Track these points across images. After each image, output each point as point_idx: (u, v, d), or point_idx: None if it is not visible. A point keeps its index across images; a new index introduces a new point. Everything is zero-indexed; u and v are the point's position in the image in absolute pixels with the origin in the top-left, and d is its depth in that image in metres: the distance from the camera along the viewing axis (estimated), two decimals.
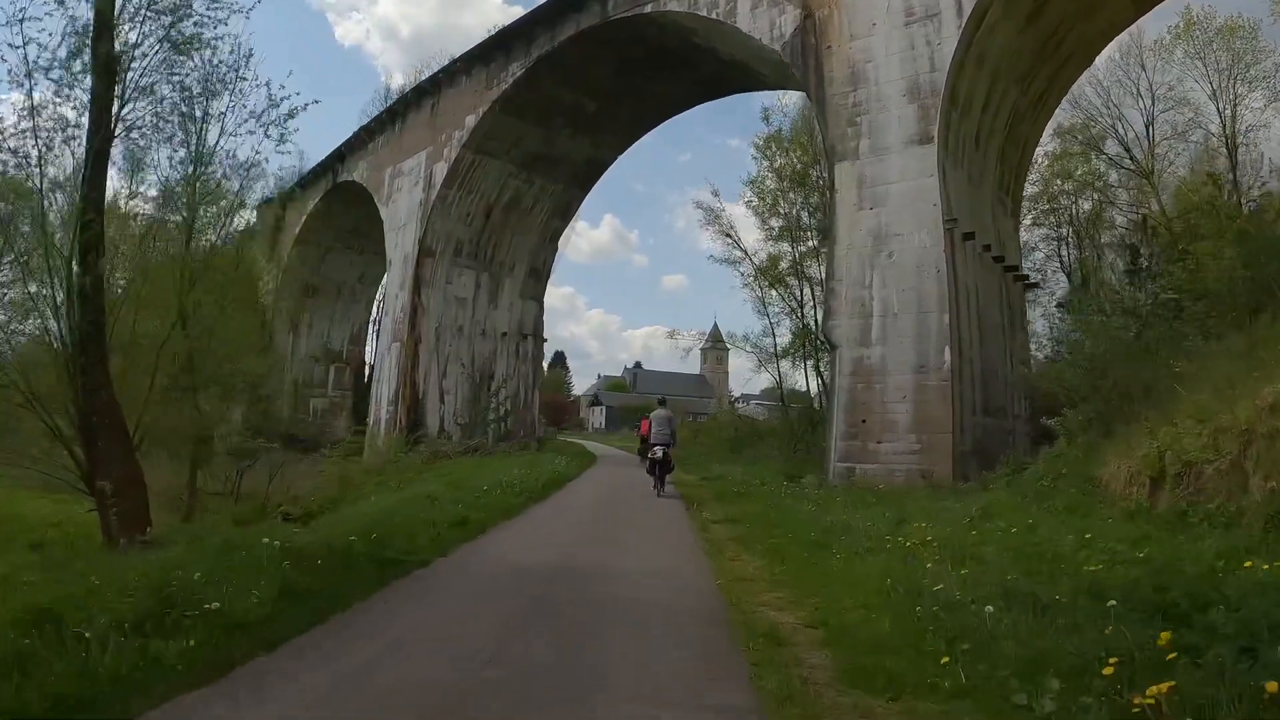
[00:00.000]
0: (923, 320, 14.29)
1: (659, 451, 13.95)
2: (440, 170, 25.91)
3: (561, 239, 28.40)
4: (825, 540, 7.50)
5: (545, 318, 28.63)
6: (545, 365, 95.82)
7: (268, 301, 39.45)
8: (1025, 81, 17.41)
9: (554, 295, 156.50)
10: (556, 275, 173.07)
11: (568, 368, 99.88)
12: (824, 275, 16.86)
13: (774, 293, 33.72)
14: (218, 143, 14.90)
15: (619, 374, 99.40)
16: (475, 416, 25.92)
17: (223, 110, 13.30)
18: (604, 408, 77.60)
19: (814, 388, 32.47)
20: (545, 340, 27.97)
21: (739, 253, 33.75)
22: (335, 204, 35.32)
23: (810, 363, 32.43)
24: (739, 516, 10.38)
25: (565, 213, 28.06)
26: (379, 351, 27.90)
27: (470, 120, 25.06)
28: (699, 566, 7.03)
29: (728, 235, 33.87)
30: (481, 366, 26.49)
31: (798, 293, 33.28)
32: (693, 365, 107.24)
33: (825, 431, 14.87)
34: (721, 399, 76.01)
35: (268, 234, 40.38)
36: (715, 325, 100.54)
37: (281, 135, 11.43)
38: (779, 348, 33.14)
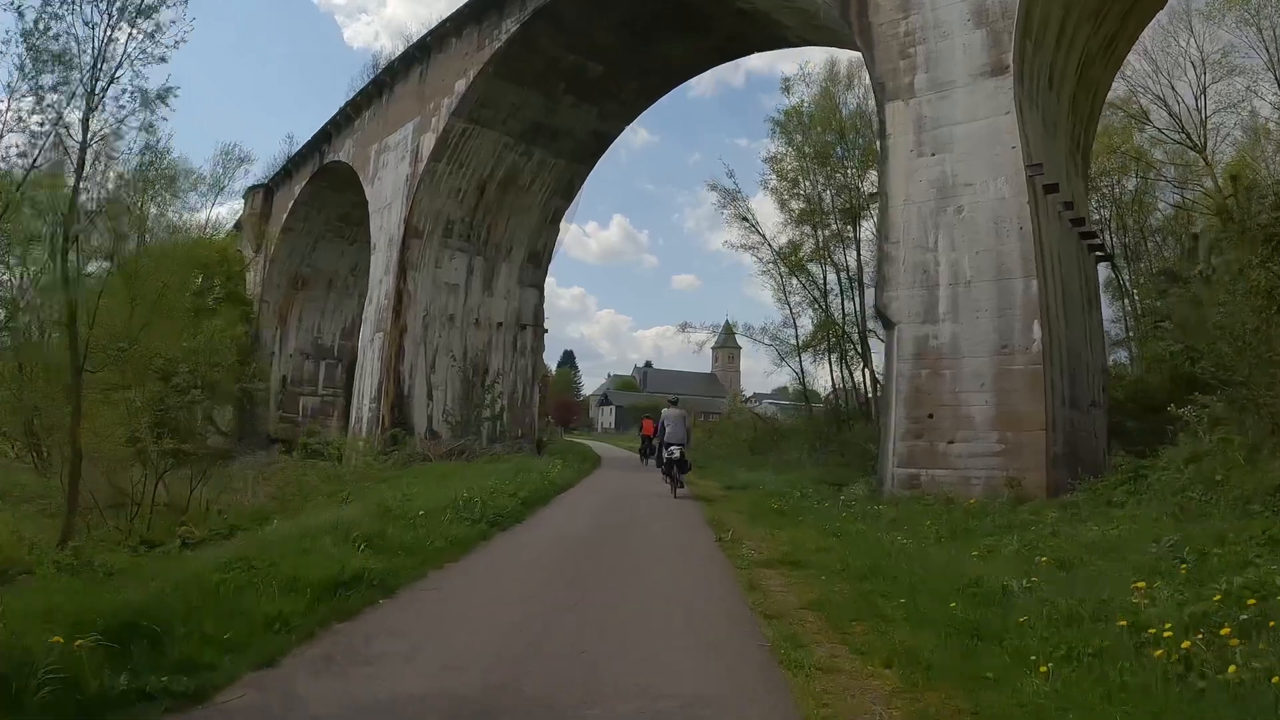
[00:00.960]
0: (1004, 289, 11.32)
1: (675, 451, 13.21)
2: (428, 142, 23.11)
3: (564, 220, 25.53)
4: (977, 617, 4.31)
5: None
6: (554, 364, 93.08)
7: (254, 294, 37.10)
8: (1097, 19, 14.49)
9: (564, 296, 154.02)
10: (566, 275, 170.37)
11: (577, 367, 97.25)
12: (876, 235, 13.85)
13: (795, 280, 30.81)
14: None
15: (629, 374, 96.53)
16: (467, 415, 23.07)
17: None
18: (613, 407, 74.74)
19: (838, 382, 29.52)
20: (546, 331, 25.13)
21: (757, 237, 30.86)
22: (323, 188, 32.62)
23: (834, 355, 29.48)
24: (796, 553, 7.16)
25: (568, 190, 25.17)
26: (361, 344, 25.12)
27: (460, 85, 22.24)
28: (770, 704, 3.50)
29: (745, 219, 31.00)
30: (474, 360, 23.64)
31: (820, 280, 30.34)
32: (704, 364, 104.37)
33: (880, 430, 11.87)
34: (735, 396, 72.92)
35: (253, 222, 37.96)
36: (727, 323, 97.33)
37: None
38: (801, 340, 30.18)
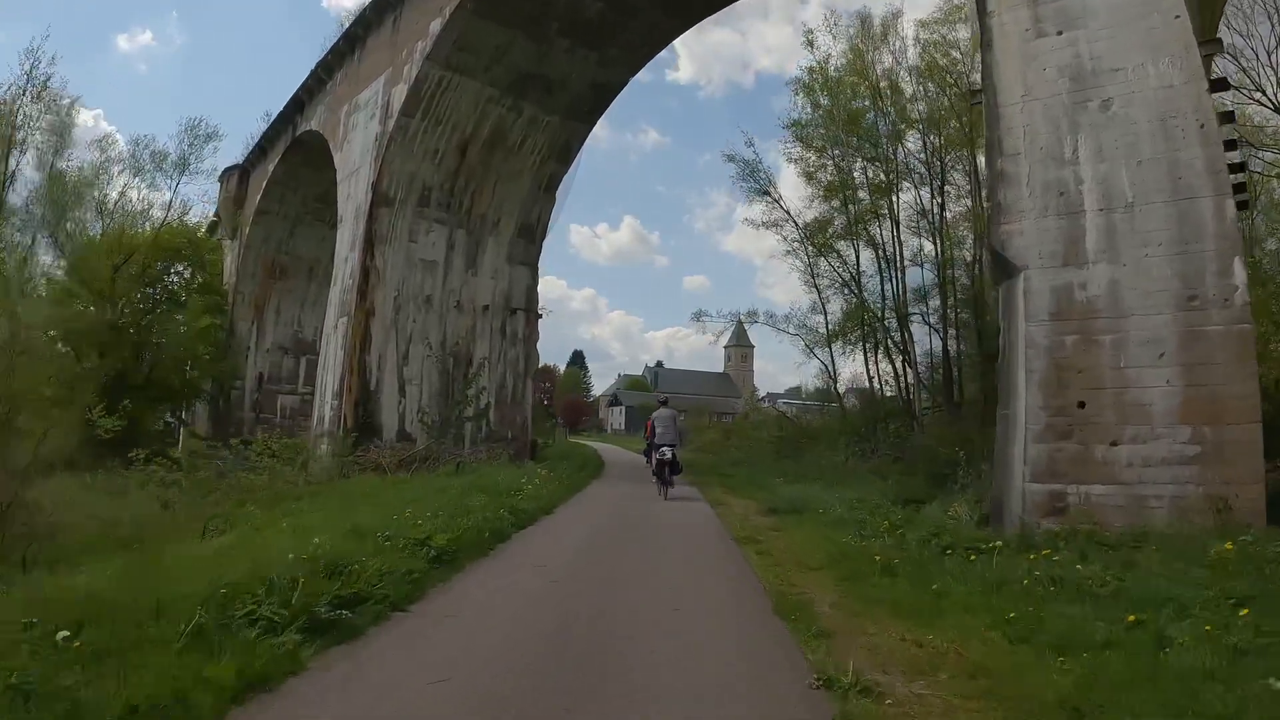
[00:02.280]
0: (1185, 213, 7.42)
1: (666, 452, 12.96)
2: (400, 94, 19.44)
3: (561, 188, 21.76)
4: None
5: (568, 320, 23.05)
6: (563, 364, 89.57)
7: (229, 284, 33.64)
8: None
9: (576, 297, 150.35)
10: (577, 276, 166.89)
11: (586, 367, 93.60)
12: (985, 149, 9.93)
13: (824, 262, 26.92)
14: None
15: (640, 374, 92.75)
16: (446, 414, 19.35)
17: None
18: (624, 408, 70.97)
19: (874, 375, 25.60)
20: (541, 316, 21.38)
21: (780, 212, 27.04)
22: (298, 164, 29.09)
23: (869, 344, 25.56)
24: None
25: (564, 153, 21.43)
26: (325, 331, 21.49)
27: (435, 26, 18.56)
28: None
29: (767, 193, 27.22)
30: (455, 349, 19.92)
31: (853, 261, 26.43)
32: (716, 364, 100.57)
33: (1007, 426, 7.96)
34: (751, 395, 69.09)
35: (228, 206, 34.50)
36: (740, 321, 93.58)
37: None
38: (830, 328, 26.30)
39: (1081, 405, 7.40)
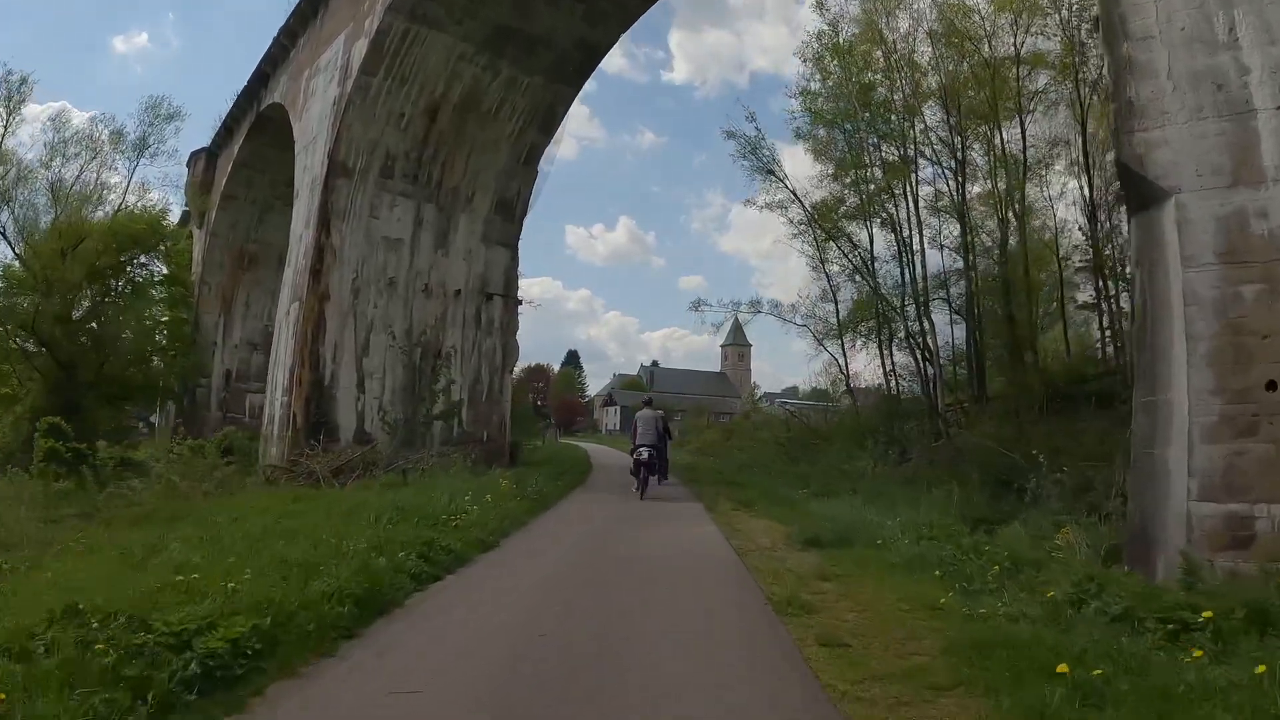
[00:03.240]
0: None
1: (644, 453, 12.70)
2: (360, 50, 16.96)
3: (544, 160, 19.31)
4: None
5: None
6: (558, 364, 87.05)
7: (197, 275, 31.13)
8: None
9: (572, 298, 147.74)
10: (573, 277, 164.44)
11: (581, 367, 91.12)
12: (1103, 34, 7.39)
13: (834, 247, 24.49)
14: None
15: (636, 374, 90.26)
16: (412, 412, 16.86)
17: None
18: (618, 407, 68.46)
19: (890, 368, 23.18)
20: (521, 303, 18.90)
21: (785, 193, 24.60)
22: (264, 144, 26.57)
23: (883, 335, 23.11)
24: None
25: (547, 121, 18.97)
26: (277, 319, 19.01)
27: None
28: None
29: (770, 171, 24.76)
30: (422, 339, 17.43)
31: (867, 245, 24.01)
32: (713, 363, 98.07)
33: (1150, 421, 5.46)
34: (751, 394, 66.70)
35: (194, 192, 31.98)
36: (736, 320, 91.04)
37: None
38: (841, 318, 23.87)
39: (1273, 387, 4.94)
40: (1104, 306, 22.36)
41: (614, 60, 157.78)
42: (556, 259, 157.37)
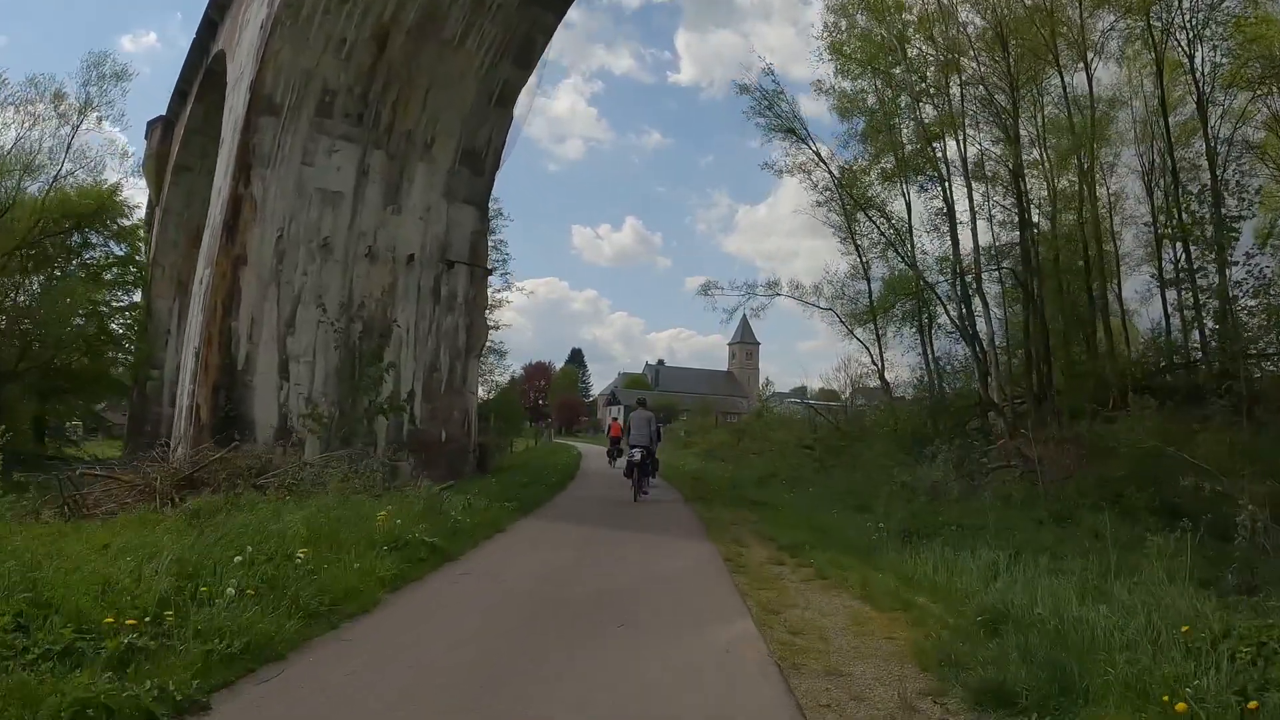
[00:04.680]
0: None
1: (636, 454, 11.86)
2: None
3: (521, 103, 15.70)
4: None
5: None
6: (560, 363, 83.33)
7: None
8: None
9: (578, 299, 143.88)
10: (580, 278, 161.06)
11: (585, 366, 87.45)
12: None
13: (865, 218, 20.77)
14: None
15: (641, 373, 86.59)
16: (351, 405, 13.24)
17: None
18: (621, 406, 64.77)
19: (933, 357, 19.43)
20: (491, 272, 15.32)
21: (808, 154, 20.90)
22: (215, 105, 22.88)
23: (924, 318, 19.36)
24: None
25: (523, 53, 15.32)
26: (194, 291, 15.47)
27: None
28: None
29: (791, 130, 21.04)
30: (364, 314, 13.82)
31: (900, 217, 20.31)
32: (719, 363, 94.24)
33: None
34: (763, 389, 63.00)
35: (150, 164, 28.51)
36: (744, 318, 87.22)
37: None
38: (874, 300, 20.14)
39: None
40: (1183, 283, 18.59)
41: (621, 61, 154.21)
42: (562, 259, 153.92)
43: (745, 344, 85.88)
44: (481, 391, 30.28)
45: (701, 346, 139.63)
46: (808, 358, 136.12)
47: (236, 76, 15.38)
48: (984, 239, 19.50)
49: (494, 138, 15.47)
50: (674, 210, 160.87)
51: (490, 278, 30.02)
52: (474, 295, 14.77)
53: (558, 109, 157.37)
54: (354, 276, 13.73)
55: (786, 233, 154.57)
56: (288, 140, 13.66)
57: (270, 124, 13.57)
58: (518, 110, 15.57)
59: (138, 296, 27.78)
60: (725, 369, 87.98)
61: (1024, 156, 19.31)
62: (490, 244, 30.08)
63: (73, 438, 31.43)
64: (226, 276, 12.95)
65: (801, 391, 69.25)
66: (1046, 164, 19.25)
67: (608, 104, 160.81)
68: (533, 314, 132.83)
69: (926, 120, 20.24)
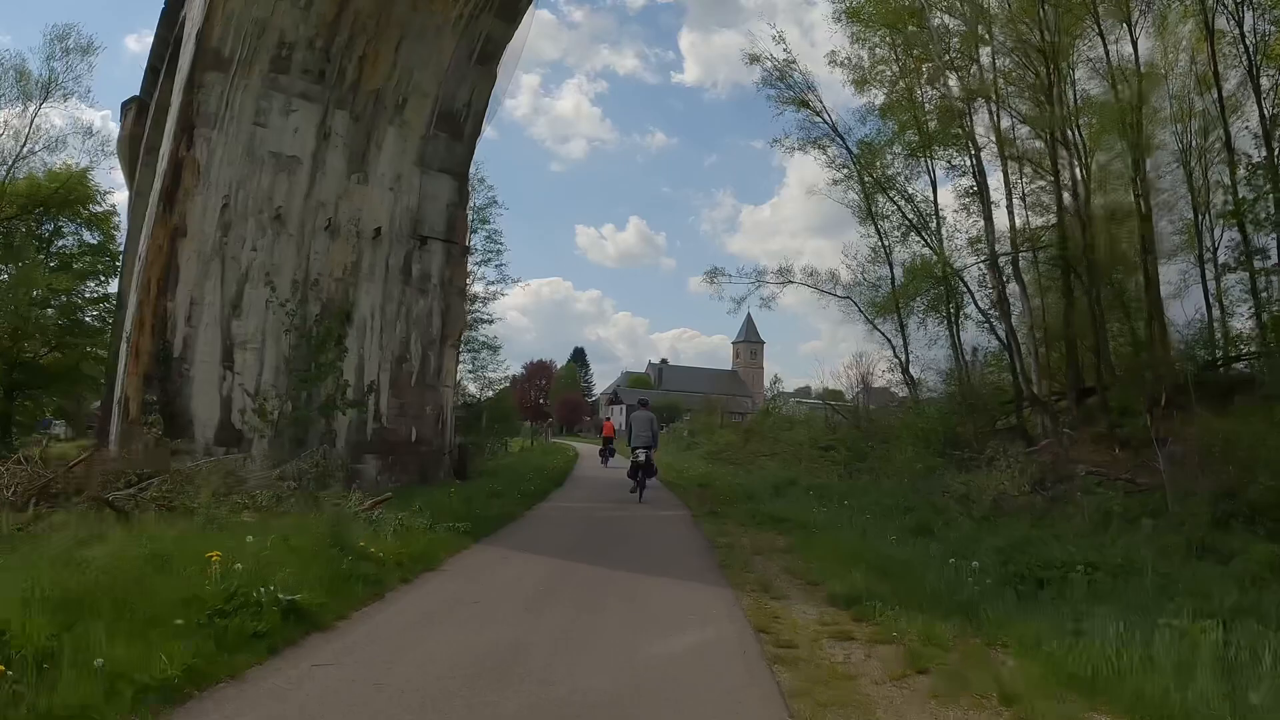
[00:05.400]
0: None
1: (641, 455, 11.77)
2: None
3: (504, 62, 13.89)
4: None
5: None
6: (561, 361, 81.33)
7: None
8: None
9: (582, 299, 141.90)
10: (584, 278, 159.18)
11: (588, 365, 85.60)
12: None
13: (886, 199, 18.90)
14: None
15: (644, 372, 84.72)
16: (304, 401, 11.42)
17: None
18: (624, 405, 62.95)
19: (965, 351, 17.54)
20: (470, 252, 13.49)
21: (823, 128, 19.06)
22: None
23: (951, 308, 17.47)
24: None
25: (509, 3, 13.52)
26: (136, 271, 13.68)
27: None
28: None
29: (805, 103, 19.21)
30: (323, 295, 12.02)
31: (923, 197, 18.45)
32: (723, 363, 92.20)
33: None
34: (772, 386, 61.16)
35: (123, 147, 26.79)
36: (749, 317, 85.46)
37: None
38: (896, 286, 18.26)
39: None
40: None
41: (626, 61, 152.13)
42: (566, 259, 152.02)
43: (750, 343, 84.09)
44: (474, 388, 28.54)
45: (705, 347, 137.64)
46: (811, 359, 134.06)
47: (191, 29, 13.59)
48: (1016, 221, 17.67)
49: (474, 100, 13.66)
50: (678, 210, 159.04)
51: (485, 269, 28.44)
52: (450, 276, 12.96)
53: (562, 109, 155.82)
54: (311, 252, 11.94)
55: (791, 233, 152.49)
56: (237, 98, 11.88)
57: (218, 80, 11.79)
58: (502, 71, 13.74)
59: (114, 287, 26.12)
60: (729, 368, 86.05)
61: (1059, 133, 17.46)
62: (485, 233, 28.46)
63: (62, 436, 29.76)
64: (163, 250, 11.18)
65: (805, 392, 67.36)
66: (1083, 142, 17.39)
67: (612, 104, 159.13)
68: (536, 314, 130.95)
69: (954, 90, 18.44)
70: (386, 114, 12.82)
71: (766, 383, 72.72)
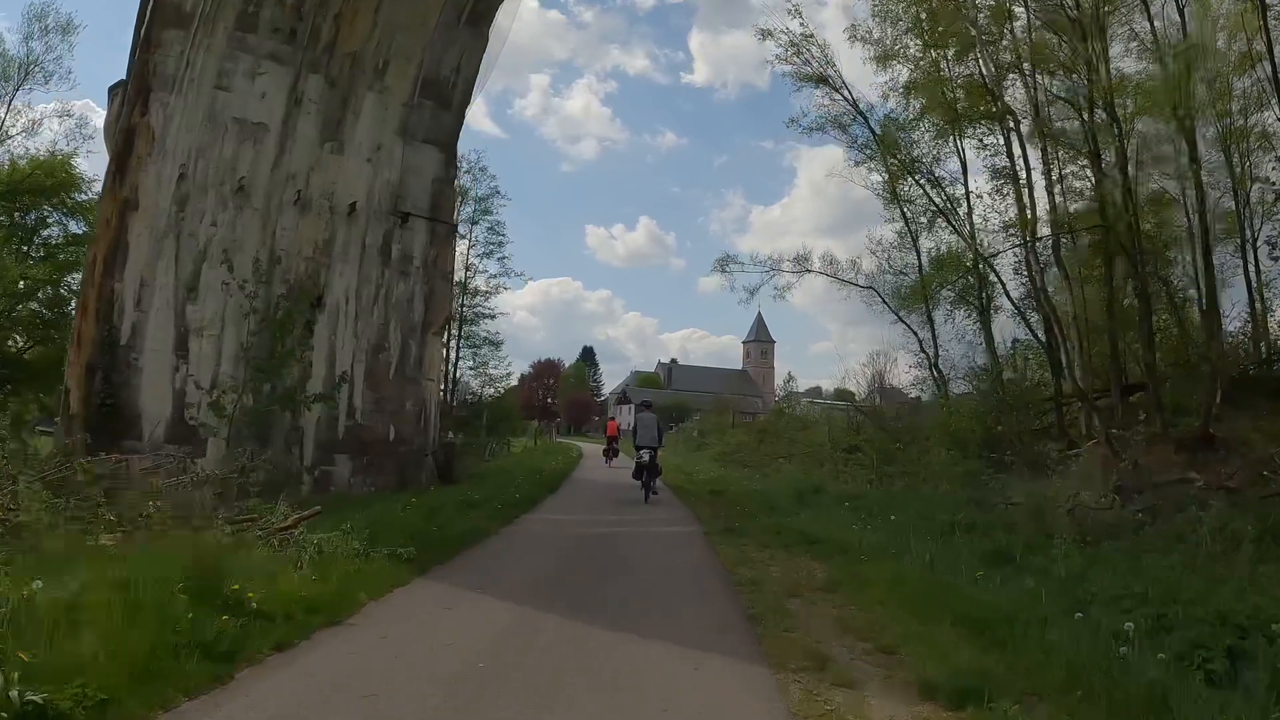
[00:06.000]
0: None
1: (645, 455, 11.71)
2: None
3: (497, 23, 12.59)
4: None
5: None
6: (569, 360, 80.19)
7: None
8: None
9: (591, 299, 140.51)
10: (593, 278, 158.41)
11: (596, 364, 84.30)
12: None
13: (912, 184, 17.45)
14: None
15: (654, 370, 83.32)
16: (270, 394, 10.11)
17: None
18: (632, 405, 61.61)
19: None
20: (459, 232, 12.27)
21: (842, 104, 17.66)
22: None
23: (984, 298, 16.01)
24: None
25: None
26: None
27: None
28: None
29: (824, 80, 17.80)
30: (291, 277, 10.75)
31: (952, 178, 17.01)
32: (733, 362, 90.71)
33: None
34: (785, 388, 59.76)
35: (111, 131, 25.73)
36: (760, 316, 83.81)
37: None
38: (924, 274, 16.83)
39: None
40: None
41: (636, 61, 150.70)
42: (576, 259, 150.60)
43: (760, 342, 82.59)
44: (475, 385, 27.32)
45: (715, 347, 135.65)
46: (819, 361, 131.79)
47: None
48: (1055, 202, 16.18)
49: (464, 65, 12.36)
50: (688, 211, 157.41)
51: (487, 262, 27.17)
52: (434, 257, 11.66)
53: (572, 109, 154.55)
54: (278, 229, 10.68)
55: (801, 233, 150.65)
56: (199, 59, 10.63)
57: (177, 39, 10.55)
58: (494, 34, 12.45)
59: None
60: (739, 368, 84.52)
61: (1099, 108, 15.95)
62: (488, 225, 27.21)
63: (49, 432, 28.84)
64: (110, 225, 9.96)
65: (816, 392, 65.82)
66: (1121, 120, 15.87)
67: (622, 104, 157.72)
68: (546, 314, 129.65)
69: (986, 66, 16.97)
70: (365, 78, 11.54)
71: (779, 382, 71.23)
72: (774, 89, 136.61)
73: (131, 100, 10.59)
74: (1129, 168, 14.23)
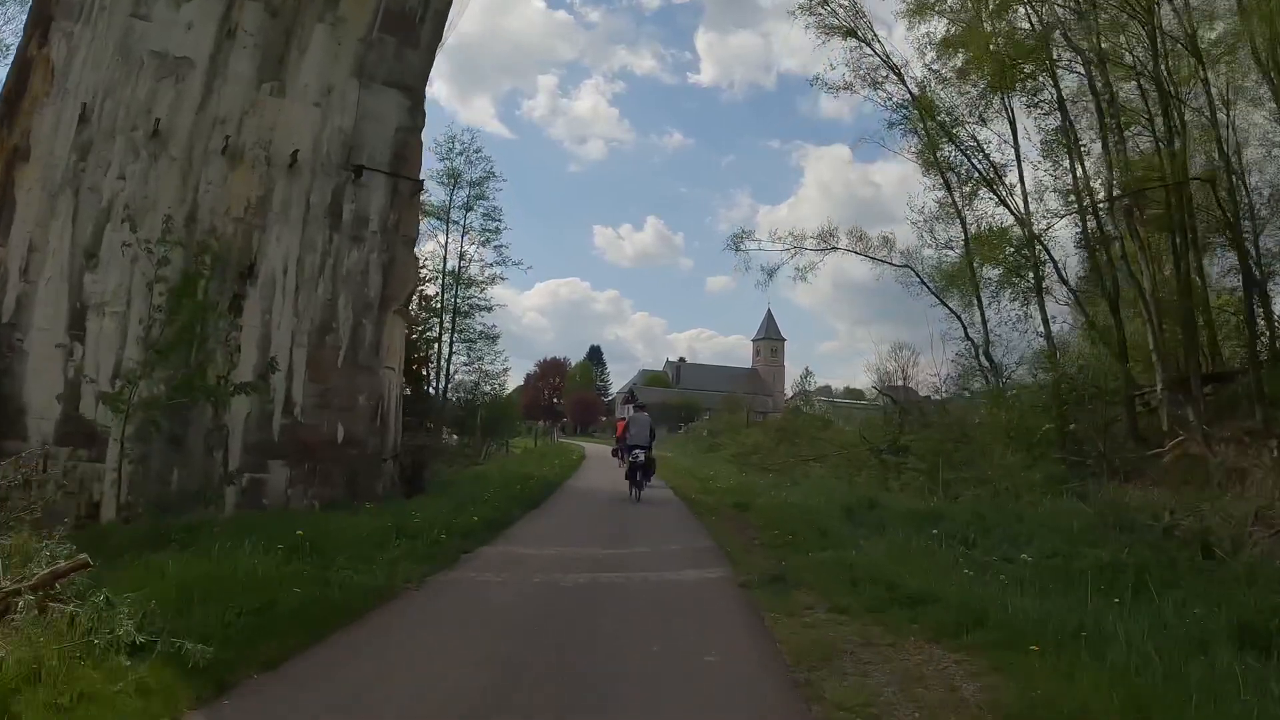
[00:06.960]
0: None
1: (639, 455, 12.10)
2: None
3: None
4: None
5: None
6: (576, 359, 78.22)
7: None
8: None
9: (599, 299, 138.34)
10: (601, 278, 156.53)
11: (604, 364, 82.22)
12: None
13: (953, 150, 15.36)
14: None
15: (661, 370, 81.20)
16: (185, 384, 8.16)
17: None
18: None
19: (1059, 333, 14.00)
20: (426, 191, 10.58)
21: (872, 56, 15.61)
22: None
23: (1038, 275, 13.89)
24: None
25: None
26: None
27: None
28: None
29: (852, 32, 15.75)
30: (215, 240, 8.79)
31: (999, 142, 14.91)
32: (742, 362, 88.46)
33: None
34: (801, 385, 57.84)
35: None
36: (769, 313, 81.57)
37: None
38: (969, 251, 14.74)
39: None
40: None
41: (643, 62, 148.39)
42: (584, 260, 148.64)
43: (770, 340, 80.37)
44: (470, 381, 25.37)
45: (723, 347, 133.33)
46: (827, 361, 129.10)
47: None
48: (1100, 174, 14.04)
49: None
50: (695, 210, 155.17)
51: (483, 250, 25.18)
52: (396, 220, 9.68)
53: (579, 109, 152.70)
54: (202, 183, 8.74)
55: (809, 233, 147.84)
56: None
57: None
58: None
59: None
60: (749, 367, 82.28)
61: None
62: (482, 210, 25.20)
63: None
64: None
65: (826, 391, 63.60)
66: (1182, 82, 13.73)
67: (629, 104, 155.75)
68: (554, 314, 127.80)
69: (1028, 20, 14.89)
70: (315, 7, 9.59)
71: (793, 379, 69.03)
72: (780, 89, 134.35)
73: (28, 30, 8.70)
74: (1216, 113, 12.15)
